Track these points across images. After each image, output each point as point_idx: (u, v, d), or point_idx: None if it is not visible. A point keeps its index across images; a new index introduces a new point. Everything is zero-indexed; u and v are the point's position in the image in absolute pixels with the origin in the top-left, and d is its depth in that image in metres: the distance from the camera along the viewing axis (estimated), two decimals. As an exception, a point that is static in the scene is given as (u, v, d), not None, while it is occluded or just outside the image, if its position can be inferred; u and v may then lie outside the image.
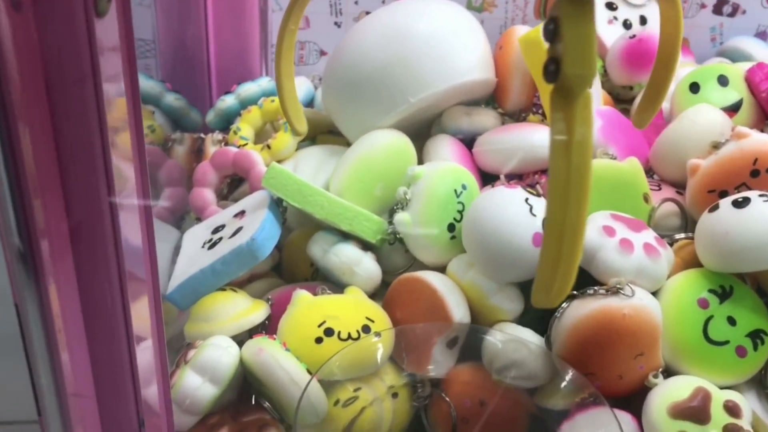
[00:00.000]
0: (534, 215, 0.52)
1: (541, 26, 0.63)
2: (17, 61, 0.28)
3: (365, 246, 0.59)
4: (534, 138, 0.63)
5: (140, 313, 0.39)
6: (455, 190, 0.58)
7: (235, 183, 0.71)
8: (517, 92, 0.69)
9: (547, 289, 0.32)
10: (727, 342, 0.50)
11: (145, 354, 0.40)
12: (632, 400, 0.51)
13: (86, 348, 0.36)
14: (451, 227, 0.58)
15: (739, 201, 0.50)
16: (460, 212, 0.58)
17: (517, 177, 0.65)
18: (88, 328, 0.36)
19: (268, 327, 0.57)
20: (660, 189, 0.61)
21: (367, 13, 0.85)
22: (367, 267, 0.57)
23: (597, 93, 0.70)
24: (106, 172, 0.34)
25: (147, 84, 0.75)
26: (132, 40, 0.30)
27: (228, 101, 0.75)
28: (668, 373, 0.51)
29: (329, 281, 0.60)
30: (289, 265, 0.64)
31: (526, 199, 0.53)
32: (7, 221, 0.31)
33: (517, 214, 0.52)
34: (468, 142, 0.67)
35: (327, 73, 0.68)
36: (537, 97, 0.73)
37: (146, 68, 0.83)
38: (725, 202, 0.51)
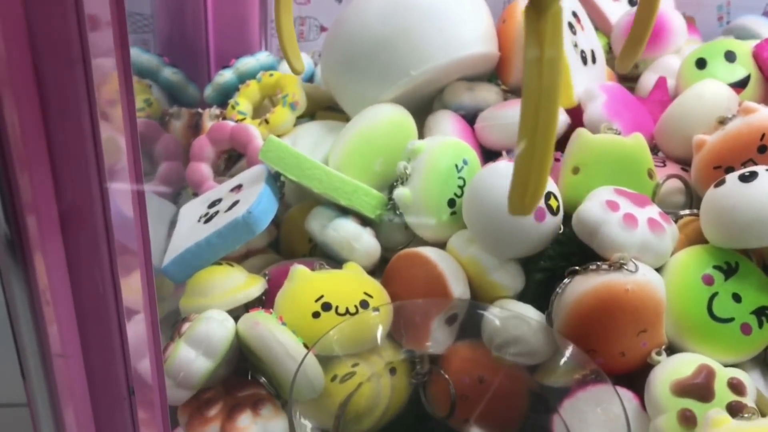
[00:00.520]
0: (536, 189, 0.51)
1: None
2: (2, 38, 0.27)
3: (364, 221, 0.58)
4: (537, 113, 0.61)
5: (132, 286, 0.39)
6: (456, 165, 0.57)
7: (233, 158, 0.70)
8: (521, 67, 0.68)
9: (522, 197, 0.35)
10: (731, 319, 0.49)
11: (137, 326, 0.39)
12: (635, 377, 0.50)
13: (75, 319, 0.35)
14: (451, 202, 0.57)
15: (746, 175, 0.49)
16: (461, 187, 0.57)
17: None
18: (77, 300, 0.36)
19: (265, 302, 0.56)
20: (665, 166, 0.60)
21: (369, -13, 0.83)
22: (366, 242, 0.56)
23: (601, 68, 0.68)
24: (96, 146, 0.33)
25: (144, 58, 0.74)
26: (123, 12, 0.28)
27: (226, 75, 0.74)
28: (671, 350, 0.50)
29: (328, 257, 0.59)
30: (287, 241, 0.63)
31: (528, 173, 0.52)
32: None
33: (518, 187, 0.51)
34: (470, 117, 0.66)
35: (326, 47, 0.67)
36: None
37: (144, 43, 0.81)
38: (732, 177, 0.50)
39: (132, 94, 0.32)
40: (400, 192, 0.56)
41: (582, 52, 0.65)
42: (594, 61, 0.66)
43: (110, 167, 0.34)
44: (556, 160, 0.62)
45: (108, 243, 0.35)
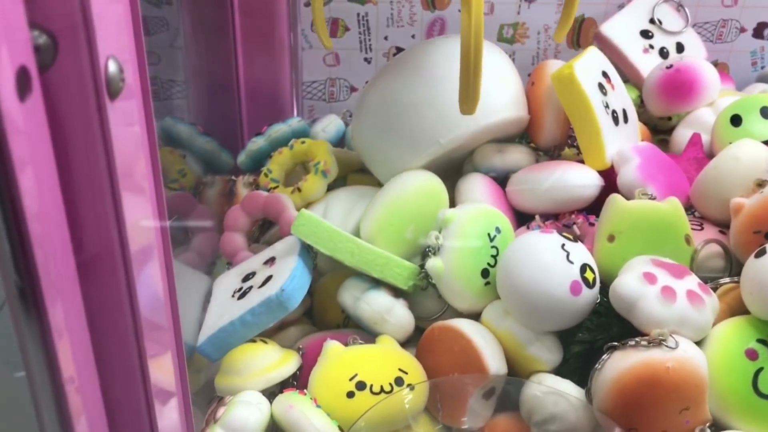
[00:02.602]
0: (571, 262, 0.51)
1: (573, 61, 0.62)
2: (28, 154, 0.27)
3: (397, 292, 0.58)
4: (568, 177, 0.61)
5: (163, 368, 0.39)
6: (489, 234, 0.57)
7: (266, 225, 0.70)
8: (551, 128, 0.67)
9: (465, 99, 0.52)
10: (778, 395, 0.47)
11: (170, 412, 0.39)
12: (679, 455, 0.49)
13: (102, 407, 0.35)
14: (485, 273, 0.56)
15: (788, 246, 0.48)
16: (494, 257, 0.57)
17: (552, 216, 0.63)
18: (104, 387, 0.35)
19: (300, 377, 0.56)
20: (702, 228, 0.59)
21: (397, 48, 0.84)
22: (398, 315, 0.56)
23: (634, 126, 0.68)
24: (120, 229, 0.33)
25: (177, 128, 0.76)
26: (151, 117, 0.29)
27: (259, 143, 0.75)
28: (716, 427, 0.49)
29: (361, 328, 0.59)
30: (321, 311, 0.63)
31: (563, 245, 0.51)
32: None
33: (553, 261, 0.51)
34: (501, 179, 0.66)
35: (356, 115, 0.68)
36: (572, 129, 0.71)
37: (178, 109, 0.83)
38: (772, 247, 0.49)
39: (158, 173, 0.32)
40: (433, 263, 0.56)
41: (614, 112, 0.64)
42: (626, 120, 0.66)
43: (138, 249, 0.33)
44: (591, 224, 0.61)
45: (135, 328, 0.35)
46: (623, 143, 0.63)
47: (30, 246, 0.23)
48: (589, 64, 0.64)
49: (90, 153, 0.25)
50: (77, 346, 0.29)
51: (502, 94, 0.63)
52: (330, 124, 0.80)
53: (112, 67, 0.25)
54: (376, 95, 0.65)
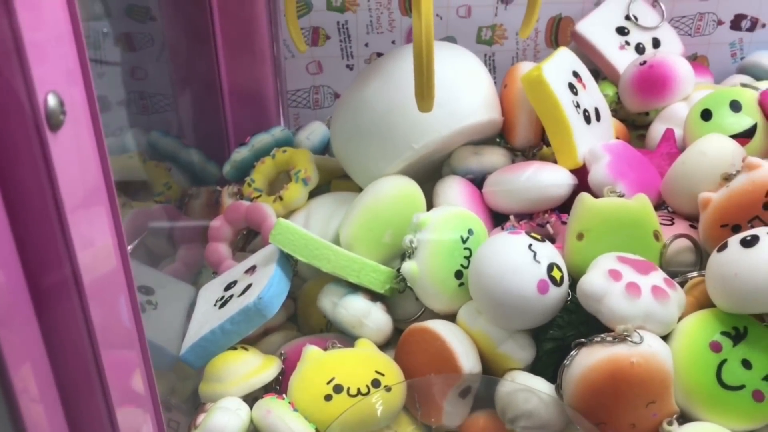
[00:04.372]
0: (538, 262, 0.52)
1: (542, 63, 0.63)
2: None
3: (375, 296, 0.59)
4: (541, 177, 0.62)
5: (132, 387, 0.40)
6: (461, 237, 0.58)
7: (252, 234, 0.72)
8: (525, 129, 0.69)
9: (421, 97, 0.55)
10: (742, 386, 0.48)
11: (141, 426, 0.41)
12: (649, 447, 0.50)
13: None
14: (458, 274, 0.57)
15: (748, 240, 0.49)
16: (468, 258, 0.58)
17: (527, 216, 0.64)
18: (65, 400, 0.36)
19: (282, 382, 0.57)
20: (673, 223, 0.60)
21: (378, 54, 0.86)
22: (376, 319, 0.57)
23: (607, 124, 0.69)
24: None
25: (163, 141, 0.77)
26: (103, 145, 0.30)
27: (243, 153, 0.76)
28: (684, 419, 0.50)
29: (343, 333, 0.60)
30: (304, 316, 0.64)
31: (530, 245, 0.53)
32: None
33: (520, 262, 0.52)
34: (479, 181, 0.67)
35: (334, 121, 0.69)
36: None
37: (165, 122, 0.84)
38: (734, 241, 0.50)
39: (114, 198, 0.33)
40: (408, 266, 0.57)
41: (585, 111, 0.65)
42: (599, 118, 0.67)
43: (94, 275, 0.34)
44: (563, 223, 0.62)
45: (93, 350, 0.36)
46: (596, 141, 0.64)
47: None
48: (559, 65, 0.65)
49: (35, 184, 0.26)
50: (37, 370, 0.31)
51: (473, 97, 0.65)
52: (314, 132, 0.81)
53: (52, 101, 0.26)
54: (350, 103, 0.66)
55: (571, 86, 0.65)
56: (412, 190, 0.63)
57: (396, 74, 0.64)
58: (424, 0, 0.50)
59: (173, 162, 0.77)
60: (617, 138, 0.69)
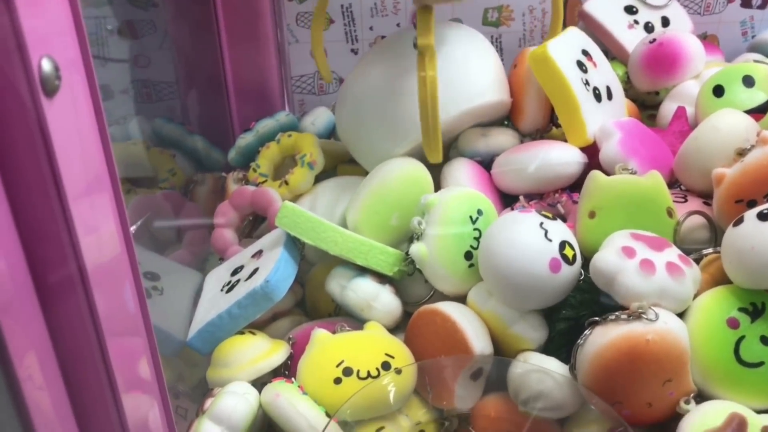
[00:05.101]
0: (549, 240, 0.51)
1: (547, 42, 0.62)
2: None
3: (383, 278, 0.58)
4: (551, 155, 0.61)
5: (138, 374, 0.39)
6: (470, 217, 0.57)
7: (258, 220, 0.71)
8: (533, 112, 0.67)
9: (429, 150, 0.57)
10: (761, 363, 0.47)
11: (147, 413, 0.40)
12: (665, 426, 0.49)
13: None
14: (468, 255, 0.56)
15: (764, 213, 0.48)
16: (477, 239, 0.57)
17: (537, 196, 0.63)
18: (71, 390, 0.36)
19: (291, 367, 0.56)
20: (686, 201, 0.59)
21: (383, 38, 0.85)
22: (384, 301, 0.57)
23: (620, 103, 0.68)
24: None
25: (168, 128, 0.76)
26: (101, 113, 0.29)
27: (247, 138, 0.75)
28: (701, 397, 0.49)
29: (351, 317, 0.59)
30: (312, 300, 0.64)
31: (541, 224, 0.52)
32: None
33: (532, 240, 0.51)
34: (486, 163, 0.66)
35: (339, 105, 0.68)
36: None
37: (170, 109, 0.84)
38: (750, 215, 0.49)
39: (114, 170, 0.31)
40: (416, 248, 0.56)
41: (595, 89, 0.64)
42: (609, 97, 0.66)
43: (96, 255, 0.33)
44: (575, 202, 0.61)
45: (98, 338, 0.35)
46: (607, 119, 0.63)
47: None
48: (567, 43, 0.63)
49: (31, 150, 0.25)
50: (42, 358, 0.30)
51: (482, 78, 0.63)
52: (319, 117, 0.81)
53: (47, 66, 0.25)
54: (356, 86, 0.65)
55: (580, 64, 0.64)
56: (419, 171, 0.62)
57: (400, 56, 0.63)
58: (428, 64, 0.53)
59: (178, 149, 0.76)
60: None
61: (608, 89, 0.66)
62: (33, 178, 0.26)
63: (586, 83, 0.63)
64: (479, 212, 0.58)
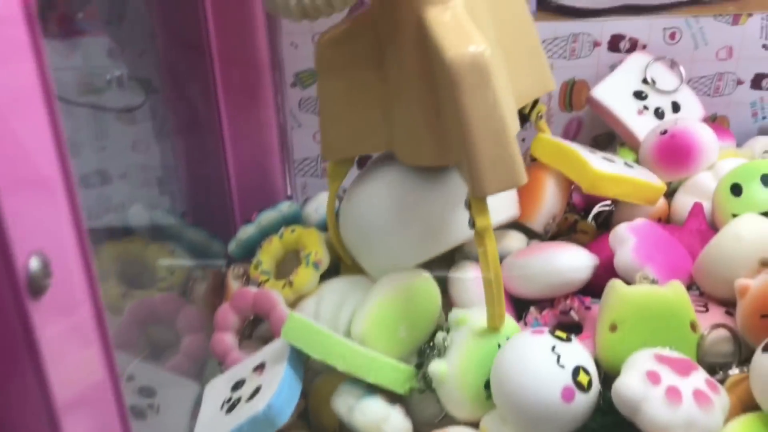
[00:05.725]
0: (562, 366, 0.48)
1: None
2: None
3: (393, 397, 0.55)
4: (559, 260, 0.59)
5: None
6: (499, 344, 0.54)
7: (259, 320, 0.68)
8: (548, 203, 0.66)
9: (494, 320, 0.53)
10: (797, 503, 0.44)
11: None
12: None
13: None
14: (488, 384, 0.53)
15: (796, 340, 0.45)
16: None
17: (548, 302, 0.61)
18: None
19: (295, 491, 0.53)
20: (707, 310, 0.56)
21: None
22: (395, 424, 0.53)
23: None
24: None
25: (166, 220, 0.74)
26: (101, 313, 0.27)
27: (249, 231, 0.73)
28: None
29: (358, 433, 0.56)
30: (317, 413, 0.61)
31: (553, 347, 0.49)
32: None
33: (543, 367, 0.48)
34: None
35: (344, 214, 0.65)
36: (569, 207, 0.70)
37: (169, 198, 0.82)
38: (780, 340, 0.46)
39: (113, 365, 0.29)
40: (436, 366, 0.53)
41: (607, 158, 0.65)
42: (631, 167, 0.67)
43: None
44: (587, 308, 0.59)
45: None
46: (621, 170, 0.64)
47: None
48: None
49: (13, 362, 0.23)
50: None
51: (496, 198, 0.60)
52: (322, 204, 0.78)
53: (35, 264, 0.23)
54: (361, 202, 0.62)
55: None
56: (427, 284, 0.59)
57: (410, 178, 0.60)
58: (488, 241, 0.51)
59: (176, 242, 0.74)
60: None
61: (626, 163, 0.67)
62: (17, 392, 0.23)
63: (593, 152, 0.65)
64: (508, 339, 0.54)
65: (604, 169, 0.62)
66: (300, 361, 0.57)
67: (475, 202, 0.51)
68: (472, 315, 0.55)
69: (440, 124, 0.52)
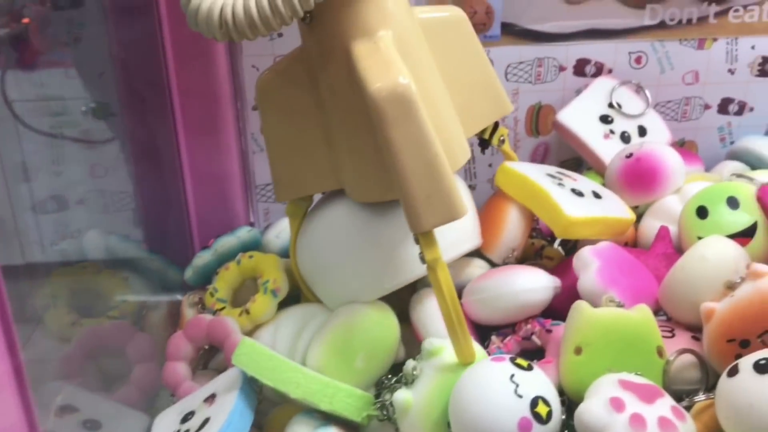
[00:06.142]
0: (519, 396, 0.46)
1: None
2: None
3: (350, 427, 0.53)
4: (516, 282, 0.58)
5: None
6: None
7: (215, 349, 0.66)
8: (508, 241, 0.64)
9: (462, 354, 0.51)
10: None
11: None
12: None
13: None
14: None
15: (762, 364, 0.44)
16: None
17: (510, 327, 0.59)
18: None
19: None
20: (673, 335, 0.55)
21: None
22: (349, 456, 0.51)
23: (612, 199, 0.67)
24: None
25: (121, 247, 0.72)
26: None
27: (205, 257, 0.71)
28: None
29: (314, 466, 0.54)
30: (271, 447, 0.58)
31: (512, 376, 0.47)
32: None
33: (500, 396, 0.46)
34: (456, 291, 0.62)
35: (299, 254, 0.63)
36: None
37: (126, 223, 0.79)
38: (746, 365, 0.44)
39: None
40: (401, 395, 0.51)
41: (574, 190, 0.63)
42: (599, 197, 0.65)
43: None
44: (548, 331, 0.57)
45: None
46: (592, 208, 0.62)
47: None
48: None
49: None
50: None
51: (457, 231, 0.57)
52: (284, 231, 0.76)
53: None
54: (317, 233, 0.60)
55: (552, 176, 0.62)
56: (385, 314, 0.58)
57: (369, 211, 0.58)
58: (441, 275, 0.50)
59: (132, 269, 0.71)
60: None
61: (594, 192, 0.65)
62: None
63: (561, 185, 0.62)
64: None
65: (577, 214, 0.60)
66: (253, 390, 0.55)
67: (421, 236, 0.49)
68: (448, 347, 0.52)
69: (380, 159, 0.49)
